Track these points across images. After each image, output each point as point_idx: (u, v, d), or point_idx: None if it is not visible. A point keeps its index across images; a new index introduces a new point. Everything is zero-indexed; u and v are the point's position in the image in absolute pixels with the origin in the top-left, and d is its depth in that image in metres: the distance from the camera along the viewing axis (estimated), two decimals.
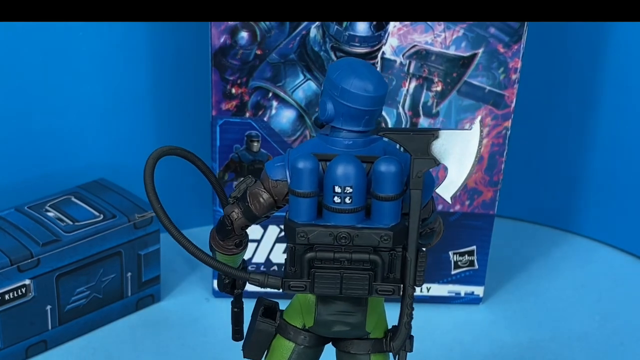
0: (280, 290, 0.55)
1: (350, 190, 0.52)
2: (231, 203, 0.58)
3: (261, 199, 0.56)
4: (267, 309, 0.60)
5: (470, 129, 0.53)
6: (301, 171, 0.52)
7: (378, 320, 0.59)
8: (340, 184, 0.52)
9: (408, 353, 0.58)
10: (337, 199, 0.52)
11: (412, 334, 0.58)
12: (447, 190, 0.53)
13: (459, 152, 0.52)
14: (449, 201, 0.54)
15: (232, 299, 0.65)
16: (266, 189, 0.56)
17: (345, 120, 0.54)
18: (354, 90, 0.53)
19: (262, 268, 0.91)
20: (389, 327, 0.60)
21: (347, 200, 0.52)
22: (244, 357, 0.61)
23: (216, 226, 0.59)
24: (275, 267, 0.91)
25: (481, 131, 0.53)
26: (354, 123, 0.54)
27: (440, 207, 0.90)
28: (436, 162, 0.52)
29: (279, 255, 0.91)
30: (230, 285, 0.64)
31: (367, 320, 0.57)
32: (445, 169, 0.53)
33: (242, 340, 0.63)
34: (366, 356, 0.59)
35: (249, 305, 0.63)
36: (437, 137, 0.52)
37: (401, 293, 0.54)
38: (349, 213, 0.53)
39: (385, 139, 0.54)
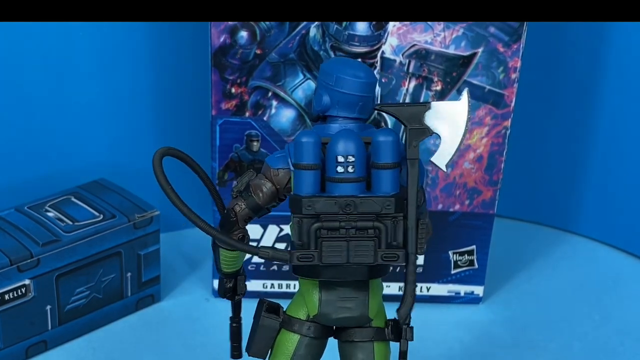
0: (287, 266, 0.56)
1: (352, 159, 0.55)
2: (234, 197, 0.60)
3: (264, 188, 0.58)
4: (270, 306, 0.61)
5: (459, 100, 0.56)
6: (305, 144, 0.56)
7: (379, 309, 0.60)
8: (343, 153, 0.55)
9: (409, 342, 0.58)
10: (340, 169, 0.56)
11: (385, 348, 0.61)
12: (441, 158, 0.58)
13: (450, 122, 0.57)
14: (444, 169, 0.58)
15: (230, 315, 0.66)
16: (268, 179, 0.59)
17: (340, 108, 0.58)
18: (348, 77, 0.57)
19: (261, 268, 0.91)
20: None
21: (350, 170, 0.56)
22: (250, 355, 0.62)
23: (219, 223, 0.61)
24: (274, 268, 0.91)
25: (469, 101, 0.56)
26: (349, 110, 0.58)
27: (440, 207, 0.90)
28: (429, 132, 0.56)
29: None
30: (232, 289, 0.64)
31: (369, 305, 0.59)
32: (438, 138, 0.57)
33: (245, 343, 0.63)
34: (370, 344, 0.60)
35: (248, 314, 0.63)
36: (429, 108, 0.56)
37: (405, 260, 0.56)
38: (352, 182, 0.56)
39: (376, 128, 0.59)
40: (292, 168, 0.57)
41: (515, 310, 0.95)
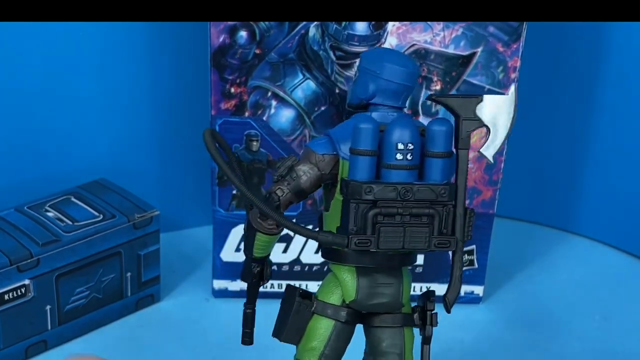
0: (346, 249, 0.57)
1: (412, 146, 0.57)
2: (275, 181, 0.60)
3: (310, 173, 0.59)
4: (304, 292, 0.61)
5: (508, 95, 0.59)
6: (365, 130, 0.56)
7: (408, 295, 0.61)
8: (403, 140, 0.56)
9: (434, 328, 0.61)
10: (399, 156, 0.56)
11: (412, 333, 0.62)
12: (488, 149, 0.59)
13: (500, 115, 0.58)
14: (491, 160, 0.59)
15: (244, 301, 0.65)
16: (313, 164, 0.59)
17: (386, 97, 0.59)
18: (397, 65, 0.59)
19: (283, 268, 0.91)
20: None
21: (409, 157, 0.57)
22: (281, 341, 0.62)
23: (260, 208, 0.59)
24: (275, 267, 0.91)
25: (516, 96, 0.59)
26: (394, 99, 0.59)
27: None
28: (481, 123, 0.58)
29: (278, 255, 0.91)
30: (259, 274, 0.63)
31: (403, 292, 0.60)
32: (488, 129, 0.59)
33: (274, 328, 0.63)
34: (400, 329, 0.61)
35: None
36: (481, 100, 0.58)
37: (455, 246, 0.58)
38: (409, 170, 0.57)
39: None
40: (341, 154, 0.58)
41: (515, 310, 0.95)
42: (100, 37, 0.93)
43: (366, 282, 0.59)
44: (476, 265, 0.93)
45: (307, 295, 0.61)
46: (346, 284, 0.60)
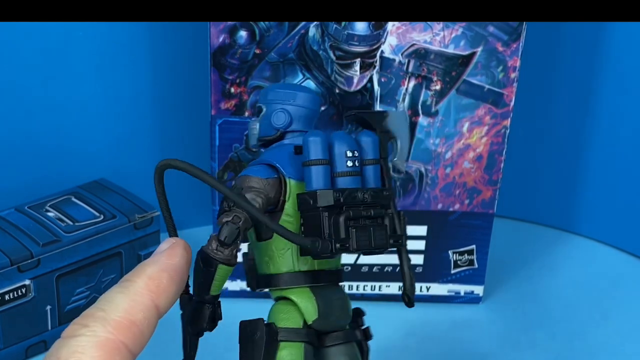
0: (329, 254, 0.57)
1: (357, 154, 0.59)
2: (227, 210, 0.58)
3: (262, 195, 0.58)
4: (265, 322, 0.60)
5: (399, 109, 0.64)
6: (316, 142, 0.58)
7: None
8: (352, 148, 0.59)
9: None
10: (349, 163, 0.58)
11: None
12: (400, 160, 0.63)
13: (400, 128, 0.63)
14: (403, 170, 0.64)
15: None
16: (258, 189, 0.59)
17: (301, 122, 0.62)
18: (308, 93, 0.62)
19: None
20: None
21: (357, 164, 0.59)
22: None
23: (222, 239, 0.58)
24: None
25: (406, 111, 0.65)
26: (307, 124, 0.62)
27: (439, 206, 0.90)
28: (391, 135, 0.62)
29: None
30: (211, 317, 0.62)
31: (349, 305, 0.61)
32: (396, 141, 0.63)
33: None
34: (353, 344, 0.61)
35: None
36: (387, 116, 0.62)
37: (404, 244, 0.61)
38: (357, 176, 0.59)
39: None
40: (287, 174, 0.59)
41: (515, 310, 0.95)
42: (100, 37, 0.93)
43: (322, 299, 0.59)
44: (476, 265, 0.93)
45: (267, 324, 0.60)
46: (305, 304, 0.59)
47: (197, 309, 0.61)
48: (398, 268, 0.90)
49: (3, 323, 0.81)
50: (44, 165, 0.97)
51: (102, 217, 0.87)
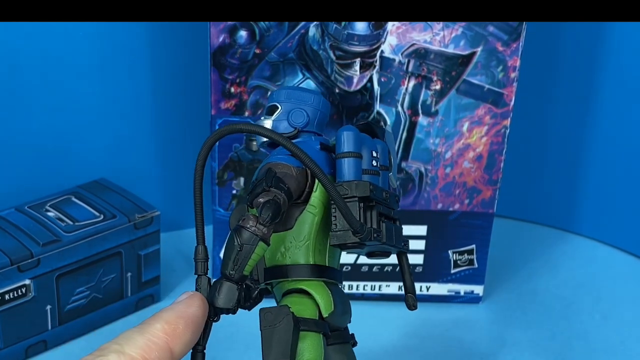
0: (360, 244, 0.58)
1: (378, 155, 0.61)
2: (267, 190, 0.58)
3: (295, 180, 0.59)
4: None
5: (388, 130, 0.65)
6: (351, 135, 0.59)
7: None
8: (375, 149, 0.61)
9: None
10: (374, 163, 0.61)
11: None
12: (394, 174, 0.64)
13: (391, 145, 0.64)
14: (395, 185, 0.64)
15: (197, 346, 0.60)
16: (292, 174, 0.59)
17: (315, 125, 0.63)
18: (323, 98, 0.63)
19: None
20: None
21: (377, 165, 0.61)
22: None
23: (264, 217, 0.57)
24: None
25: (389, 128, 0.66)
26: (320, 127, 0.63)
27: (439, 206, 0.90)
28: (389, 150, 0.64)
29: None
30: (245, 297, 0.60)
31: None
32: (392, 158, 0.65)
33: (267, 356, 0.58)
34: (349, 345, 0.61)
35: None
36: (384, 133, 0.64)
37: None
38: (377, 176, 0.61)
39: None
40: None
41: (515, 310, 0.95)
42: (100, 37, 0.93)
43: (336, 294, 0.60)
44: (476, 265, 0.93)
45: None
46: (322, 297, 0.60)
47: (225, 288, 0.58)
48: (398, 268, 0.91)
49: (3, 323, 0.81)
50: (44, 165, 0.97)
51: (102, 217, 0.87)
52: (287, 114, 0.62)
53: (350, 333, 0.62)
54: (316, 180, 0.59)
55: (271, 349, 0.57)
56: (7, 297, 0.81)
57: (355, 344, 0.62)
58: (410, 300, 0.62)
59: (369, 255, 0.62)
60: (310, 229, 0.59)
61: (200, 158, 0.58)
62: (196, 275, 0.59)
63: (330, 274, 0.60)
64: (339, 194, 0.57)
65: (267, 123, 0.62)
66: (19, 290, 0.81)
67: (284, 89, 0.63)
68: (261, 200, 0.57)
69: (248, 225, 0.57)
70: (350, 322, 0.62)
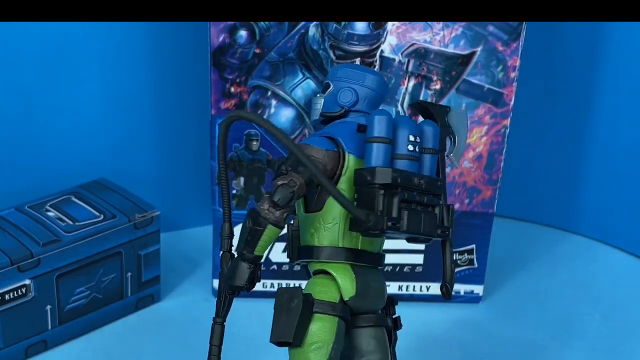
0: (377, 231, 0.57)
1: (419, 140, 0.59)
2: (284, 174, 0.59)
3: (319, 166, 0.59)
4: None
5: (462, 108, 0.63)
6: (382, 120, 0.58)
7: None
8: (414, 133, 0.59)
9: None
10: (410, 147, 0.59)
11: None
12: (455, 155, 0.63)
13: (460, 126, 0.63)
14: (457, 165, 0.63)
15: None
16: (319, 158, 0.59)
17: (366, 104, 0.62)
18: (377, 76, 0.62)
19: (283, 268, 0.91)
20: None
21: (417, 149, 0.59)
22: (289, 345, 0.60)
23: (275, 200, 0.58)
24: (274, 267, 0.92)
25: (466, 110, 0.65)
26: (372, 106, 0.62)
27: None
28: (451, 130, 0.63)
29: (278, 255, 0.91)
30: (251, 277, 0.61)
31: (386, 290, 0.62)
32: (454, 136, 0.63)
33: (275, 333, 0.60)
34: (382, 328, 0.62)
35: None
36: (449, 111, 0.63)
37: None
38: (415, 161, 0.59)
39: None
40: (347, 148, 0.59)
41: (515, 310, 0.95)
42: (100, 37, 0.93)
43: (361, 278, 0.60)
44: (476, 265, 0.93)
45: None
46: (343, 280, 0.60)
47: (237, 266, 0.60)
48: (398, 268, 0.91)
49: (3, 323, 0.81)
50: (44, 165, 0.97)
51: (102, 216, 0.87)
52: (336, 93, 0.62)
53: (395, 316, 0.63)
54: (346, 164, 0.59)
55: (276, 329, 0.59)
56: (7, 297, 0.81)
57: (398, 327, 0.63)
58: (444, 289, 0.62)
59: (409, 240, 0.62)
60: (339, 212, 0.59)
61: (222, 133, 0.59)
62: (221, 252, 0.61)
63: (361, 257, 0.60)
64: (333, 185, 0.57)
65: (320, 101, 0.62)
66: (19, 290, 0.81)
67: (341, 67, 0.63)
68: (279, 182, 0.58)
69: (261, 208, 0.58)
70: (383, 305, 0.62)
